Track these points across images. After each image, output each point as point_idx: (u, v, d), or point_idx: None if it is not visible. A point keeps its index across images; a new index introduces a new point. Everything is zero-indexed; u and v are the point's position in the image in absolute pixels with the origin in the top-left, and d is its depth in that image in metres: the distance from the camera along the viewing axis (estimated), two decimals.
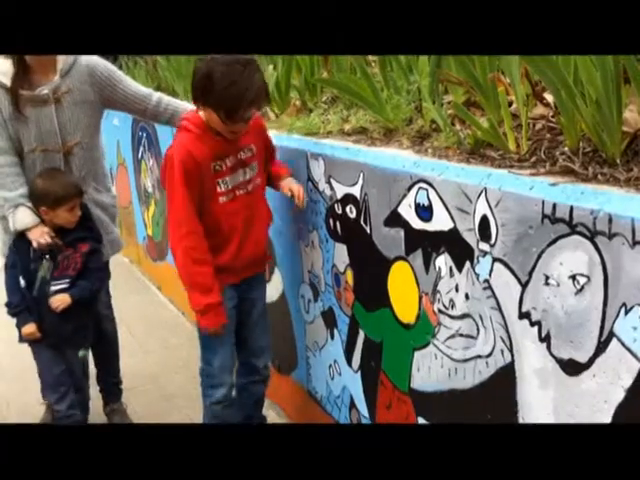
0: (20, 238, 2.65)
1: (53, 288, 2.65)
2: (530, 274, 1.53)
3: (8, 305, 2.69)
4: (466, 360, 1.81)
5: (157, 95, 2.87)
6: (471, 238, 1.71)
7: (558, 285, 1.46)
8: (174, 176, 2.24)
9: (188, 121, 2.31)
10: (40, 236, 2.62)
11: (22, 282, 2.65)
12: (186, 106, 2.95)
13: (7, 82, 2.59)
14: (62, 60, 2.63)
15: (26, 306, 2.66)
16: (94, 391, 3.13)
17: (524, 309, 1.57)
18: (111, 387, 3.16)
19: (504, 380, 1.67)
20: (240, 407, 2.70)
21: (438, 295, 1.88)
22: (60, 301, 2.63)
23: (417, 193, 1.88)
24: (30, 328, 2.66)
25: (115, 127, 5.08)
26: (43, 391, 2.84)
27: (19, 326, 2.69)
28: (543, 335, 1.53)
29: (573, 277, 1.43)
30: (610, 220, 1.33)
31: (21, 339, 2.72)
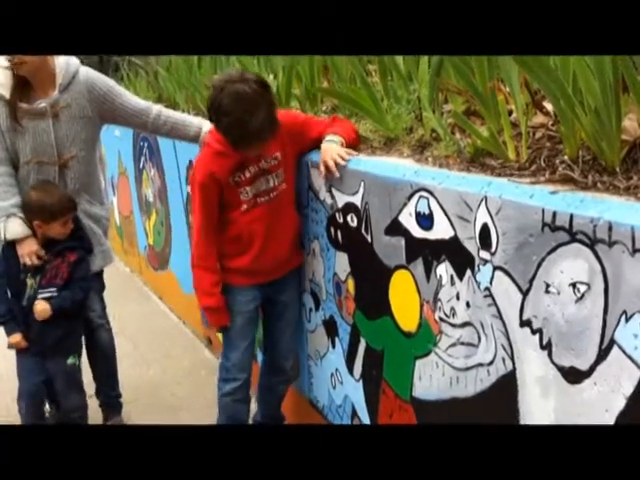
0: (10, 248, 2.68)
1: (40, 296, 2.68)
2: (531, 282, 1.54)
3: None
4: (467, 368, 1.81)
5: (156, 108, 2.88)
6: (472, 246, 1.71)
7: (559, 293, 1.47)
8: (195, 195, 2.44)
9: (211, 135, 2.41)
10: (28, 255, 2.67)
11: (10, 291, 2.68)
12: (185, 118, 2.97)
13: (6, 94, 2.61)
14: (61, 75, 2.65)
15: (13, 316, 2.69)
16: (94, 403, 3.13)
17: (525, 317, 1.57)
18: (111, 400, 3.16)
19: (505, 388, 1.67)
20: (264, 406, 2.83)
21: (439, 303, 1.88)
22: (41, 312, 2.66)
23: (418, 202, 1.88)
24: (16, 338, 2.70)
25: (116, 137, 5.10)
26: (18, 396, 2.84)
27: (7, 334, 2.73)
28: (544, 343, 1.53)
29: (573, 285, 1.43)
30: (610, 228, 1.33)
31: (10, 346, 2.75)
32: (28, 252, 2.66)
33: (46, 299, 2.68)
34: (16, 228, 2.65)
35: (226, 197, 2.40)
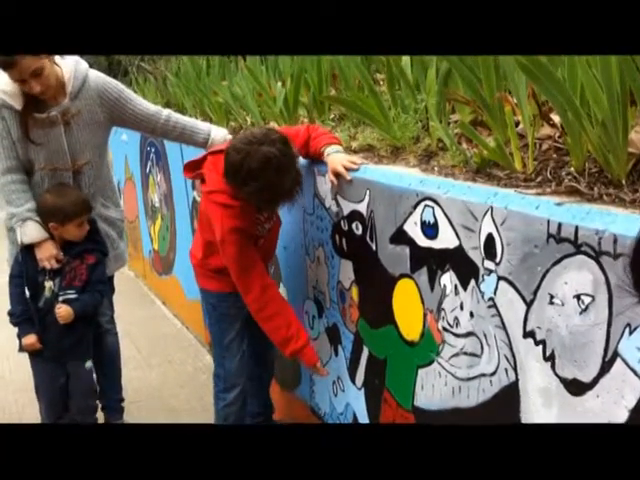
0: (27, 249, 2.68)
1: (60, 298, 2.69)
2: (535, 293, 1.54)
3: (11, 314, 2.73)
4: (470, 378, 1.81)
5: (166, 113, 2.88)
6: (476, 256, 1.71)
7: (563, 304, 1.47)
8: (235, 255, 2.35)
9: (222, 196, 2.31)
10: (48, 259, 2.66)
11: (27, 293, 2.68)
12: (194, 123, 2.97)
13: (16, 105, 2.57)
14: (71, 83, 2.62)
15: (28, 317, 2.69)
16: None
17: (529, 328, 1.57)
18: (113, 404, 3.15)
19: (508, 399, 1.67)
20: (256, 395, 2.84)
21: (443, 313, 1.88)
22: (63, 317, 2.67)
23: (423, 211, 1.88)
24: (30, 339, 2.70)
25: (123, 142, 5.12)
26: (38, 398, 2.89)
27: (20, 336, 2.73)
28: (547, 354, 1.53)
29: (578, 297, 1.43)
30: (615, 240, 1.33)
31: (21, 349, 2.75)
32: (48, 256, 2.67)
33: (65, 302, 2.70)
34: (33, 232, 2.66)
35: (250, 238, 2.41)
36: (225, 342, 2.60)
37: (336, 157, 2.28)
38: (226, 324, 2.61)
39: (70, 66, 2.65)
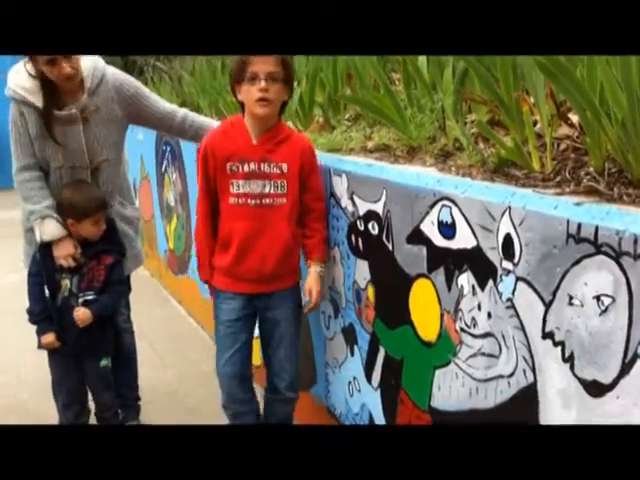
0: (46, 248, 2.69)
1: (80, 300, 2.71)
2: (554, 294, 1.53)
3: (30, 313, 2.74)
4: (488, 379, 1.80)
5: (182, 112, 2.89)
6: (494, 256, 1.70)
7: (582, 305, 1.46)
8: (197, 168, 2.51)
9: (232, 117, 2.51)
10: (65, 257, 2.68)
11: (46, 291, 2.70)
12: (210, 123, 2.98)
13: (36, 102, 2.57)
14: (89, 79, 2.62)
15: (47, 315, 2.71)
16: None
17: (547, 329, 1.56)
18: (130, 402, 3.18)
19: (526, 400, 1.66)
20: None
21: (460, 313, 1.88)
22: (82, 320, 2.68)
23: (440, 210, 1.88)
24: (49, 337, 2.71)
25: (139, 141, 5.14)
26: (55, 396, 2.91)
27: (39, 333, 2.74)
28: (566, 355, 1.52)
29: (597, 297, 1.42)
30: (636, 241, 1.32)
31: (40, 345, 2.77)
32: (65, 255, 2.68)
33: (84, 303, 2.72)
34: (52, 230, 2.67)
35: (218, 182, 2.43)
36: (218, 341, 2.63)
37: (318, 278, 2.52)
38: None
39: (88, 62, 2.65)
